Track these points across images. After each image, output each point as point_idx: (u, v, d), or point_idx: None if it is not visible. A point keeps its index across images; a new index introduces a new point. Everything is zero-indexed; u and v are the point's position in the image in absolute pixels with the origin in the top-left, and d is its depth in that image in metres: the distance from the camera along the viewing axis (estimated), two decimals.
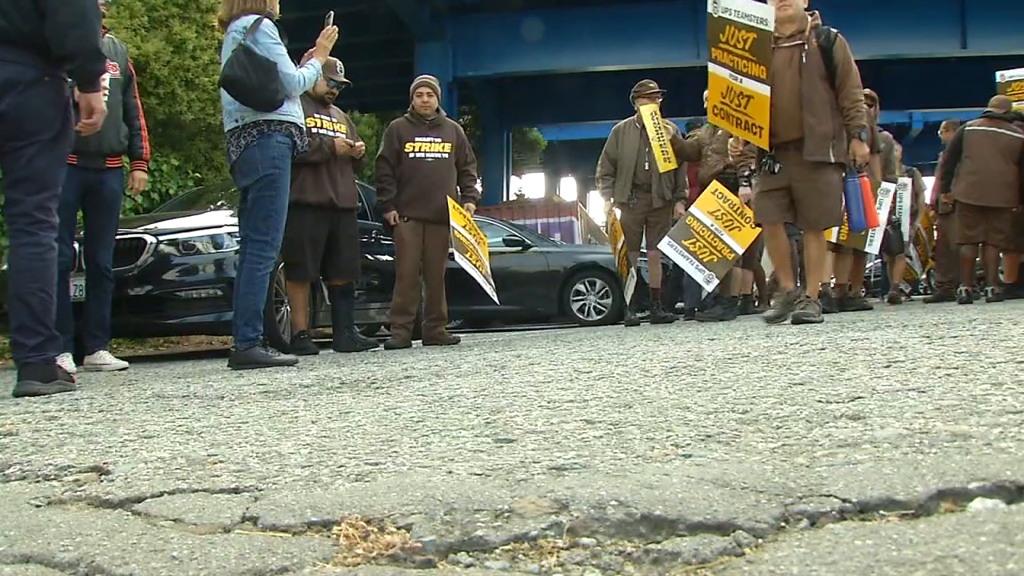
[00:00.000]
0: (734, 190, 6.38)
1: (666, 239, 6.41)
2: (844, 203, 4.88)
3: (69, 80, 2.96)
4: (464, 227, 5.54)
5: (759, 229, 6.35)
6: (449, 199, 5.41)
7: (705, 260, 6.26)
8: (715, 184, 6.46)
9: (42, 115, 2.85)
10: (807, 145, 4.65)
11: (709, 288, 6.72)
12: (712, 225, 6.19)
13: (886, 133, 8.22)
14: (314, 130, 5.05)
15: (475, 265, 5.53)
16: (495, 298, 5.75)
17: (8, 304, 2.89)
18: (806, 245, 5.02)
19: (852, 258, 7.29)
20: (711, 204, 6.28)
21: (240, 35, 3.79)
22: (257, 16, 3.80)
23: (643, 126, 6.73)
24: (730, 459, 1.05)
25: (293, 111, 3.94)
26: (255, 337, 3.78)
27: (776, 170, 4.78)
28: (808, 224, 4.89)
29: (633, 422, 1.38)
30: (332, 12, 4.25)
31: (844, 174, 4.76)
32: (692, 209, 6.34)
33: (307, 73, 3.97)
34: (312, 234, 5.05)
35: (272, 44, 3.80)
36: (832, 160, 4.68)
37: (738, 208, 6.24)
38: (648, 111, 6.70)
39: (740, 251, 6.31)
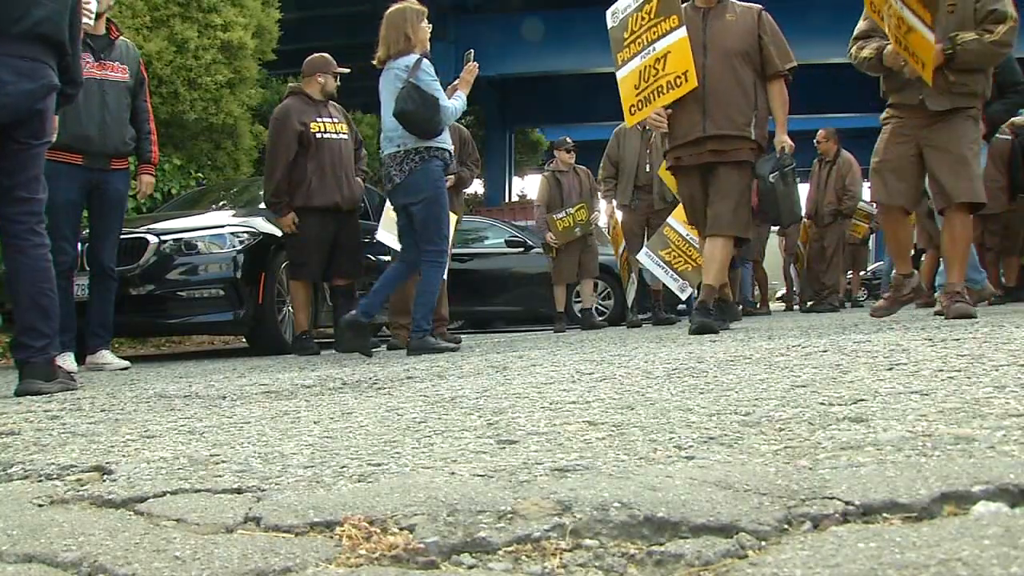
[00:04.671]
0: None
1: (644, 249, 6.46)
2: None
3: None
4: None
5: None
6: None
7: (680, 269, 6.31)
8: None
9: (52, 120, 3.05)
10: None
11: (683, 296, 6.74)
12: (687, 235, 6.21)
13: None
14: (317, 135, 5.07)
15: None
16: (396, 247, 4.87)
17: (18, 304, 2.89)
18: None
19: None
20: None
21: (403, 72, 4.18)
22: (418, 57, 4.23)
23: (644, 128, 6.73)
24: (733, 461, 1.04)
25: (447, 139, 4.37)
26: (428, 329, 4.31)
27: None
28: None
29: (635, 424, 1.38)
30: (472, 50, 4.59)
31: None
32: (669, 219, 6.36)
33: (458, 104, 4.37)
34: (319, 237, 5.10)
35: (431, 81, 4.20)
36: None
37: None
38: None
39: None
